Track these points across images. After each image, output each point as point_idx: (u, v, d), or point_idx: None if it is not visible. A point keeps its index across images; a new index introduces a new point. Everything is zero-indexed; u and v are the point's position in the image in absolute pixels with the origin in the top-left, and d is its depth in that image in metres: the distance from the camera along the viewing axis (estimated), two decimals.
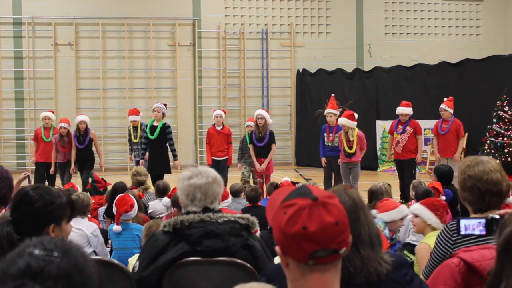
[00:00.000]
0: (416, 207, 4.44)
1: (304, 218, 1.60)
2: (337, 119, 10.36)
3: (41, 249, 1.26)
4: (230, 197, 6.84)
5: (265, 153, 10.32)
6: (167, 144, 10.34)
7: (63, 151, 11.23)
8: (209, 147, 11.00)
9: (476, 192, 2.95)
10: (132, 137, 11.66)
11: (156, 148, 10.22)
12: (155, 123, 10.32)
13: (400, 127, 10.72)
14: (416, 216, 4.39)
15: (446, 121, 10.88)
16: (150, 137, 10.23)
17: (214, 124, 11.14)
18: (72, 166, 11.16)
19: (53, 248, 1.27)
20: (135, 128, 11.64)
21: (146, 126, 10.53)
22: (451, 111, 10.87)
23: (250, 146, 10.53)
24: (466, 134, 14.78)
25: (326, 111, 10.53)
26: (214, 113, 11.35)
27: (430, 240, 3.99)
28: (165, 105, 10.88)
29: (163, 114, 10.40)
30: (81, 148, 11.20)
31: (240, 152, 10.95)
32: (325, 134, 10.41)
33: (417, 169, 13.97)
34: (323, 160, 10.37)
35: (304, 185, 1.72)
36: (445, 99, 11.03)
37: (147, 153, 10.53)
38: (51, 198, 2.66)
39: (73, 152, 11.17)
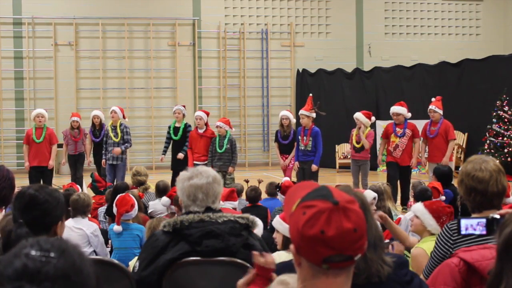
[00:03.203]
0: (419, 208, 4.20)
1: (322, 222, 1.57)
2: (312, 121, 10.33)
3: (38, 249, 1.24)
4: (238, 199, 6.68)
5: (288, 150, 10.66)
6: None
7: (75, 141, 11.55)
8: (191, 152, 10.58)
9: (463, 188, 2.99)
10: (112, 136, 10.85)
11: (180, 147, 10.82)
12: (177, 124, 10.97)
13: (399, 130, 10.04)
14: (416, 217, 4.19)
15: (435, 123, 9.99)
16: (174, 137, 10.92)
17: (196, 127, 10.70)
18: (88, 159, 11.65)
19: (50, 248, 1.25)
20: (113, 127, 10.92)
21: (127, 128, 11.07)
22: (441, 112, 9.98)
23: (275, 144, 10.90)
24: (466, 134, 14.81)
25: (300, 112, 10.50)
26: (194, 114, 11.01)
27: (426, 245, 3.90)
28: (184, 106, 11.49)
29: (183, 115, 11.09)
30: (97, 142, 11.56)
31: (210, 155, 10.39)
32: (299, 137, 10.27)
33: (415, 169, 13.96)
34: (296, 164, 10.30)
35: (325, 186, 1.68)
36: (433, 99, 10.23)
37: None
38: (58, 196, 2.71)
39: (89, 146, 11.66)
